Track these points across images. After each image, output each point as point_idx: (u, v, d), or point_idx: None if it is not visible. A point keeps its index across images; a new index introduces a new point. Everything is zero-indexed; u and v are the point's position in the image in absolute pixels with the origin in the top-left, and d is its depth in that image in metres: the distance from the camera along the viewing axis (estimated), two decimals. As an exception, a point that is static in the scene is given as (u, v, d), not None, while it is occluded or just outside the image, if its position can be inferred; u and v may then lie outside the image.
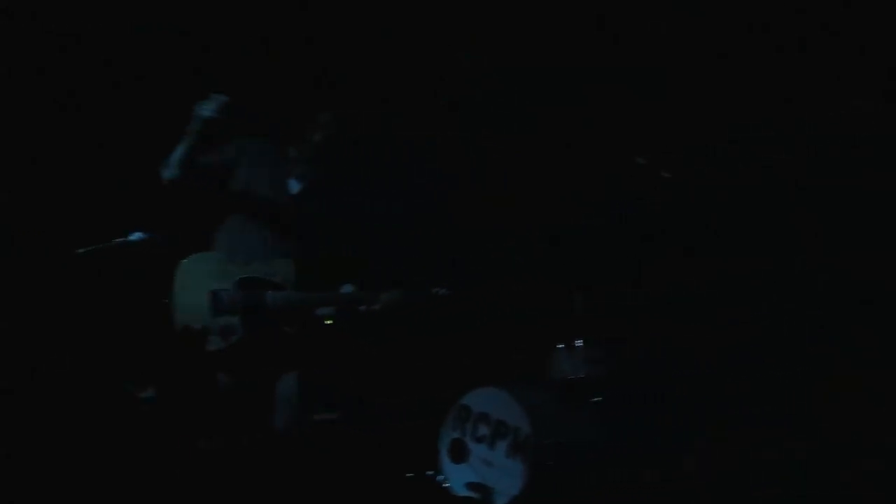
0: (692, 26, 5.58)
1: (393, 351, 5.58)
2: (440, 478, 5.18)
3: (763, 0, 5.46)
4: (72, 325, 5.36)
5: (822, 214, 5.29)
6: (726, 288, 5.29)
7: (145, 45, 5.63)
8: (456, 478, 5.14)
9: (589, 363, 5.15)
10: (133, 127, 5.54)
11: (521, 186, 5.82)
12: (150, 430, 4.88)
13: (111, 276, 5.06)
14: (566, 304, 5.21)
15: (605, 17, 5.69)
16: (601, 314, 5.24)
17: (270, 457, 4.58)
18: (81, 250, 4.69)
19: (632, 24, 5.67)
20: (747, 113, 5.48)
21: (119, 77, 5.63)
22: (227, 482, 4.56)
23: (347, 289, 4.66)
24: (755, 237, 5.42)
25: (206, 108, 4.50)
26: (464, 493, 5.09)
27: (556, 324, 5.26)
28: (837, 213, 5.27)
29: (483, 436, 5.11)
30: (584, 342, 5.18)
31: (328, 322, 4.64)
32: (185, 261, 4.70)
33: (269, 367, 4.64)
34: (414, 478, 5.23)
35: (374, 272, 4.70)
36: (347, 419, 5.40)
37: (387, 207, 4.83)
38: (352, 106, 4.83)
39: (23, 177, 5.53)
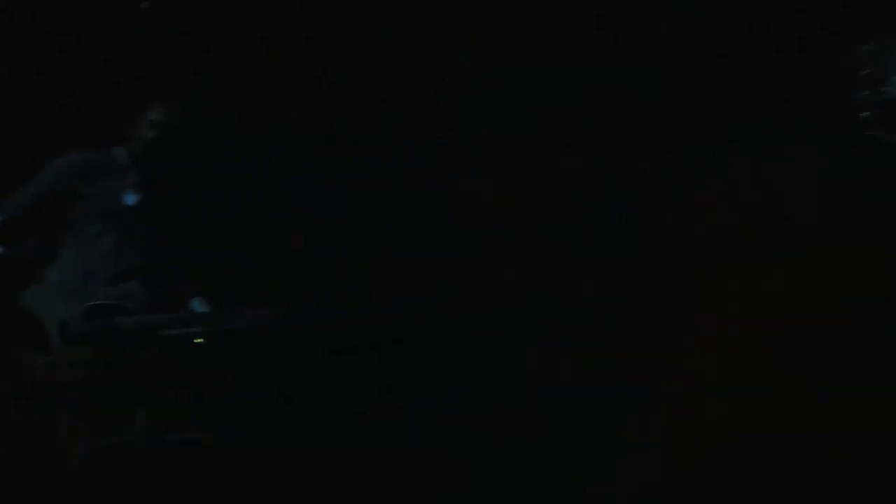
0: (692, 26, 5.57)
1: (258, 366, 5.43)
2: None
3: (763, 0, 5.46)
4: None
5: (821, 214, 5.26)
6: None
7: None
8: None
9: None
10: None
11: (522, 186, 5.81)
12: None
13: None
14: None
15: (605, 17, 5.69)
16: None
17: (133, 476, 4.45)
18: None
19: (632, 24, 5.67)
20: (747, 113, 5.47)
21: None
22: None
23: (197, 304, 4.56)
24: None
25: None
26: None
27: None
28: (836, 213, 5.24)
29: None
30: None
31: (199, 341, 4.51)
32: (25, 293, 4.54)
33: (127, 391, 4.49)
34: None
35: (223, 285, 4.58)
36: (215, 437, 5.18)
37: (232, 213, 4.68)
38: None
39: None
